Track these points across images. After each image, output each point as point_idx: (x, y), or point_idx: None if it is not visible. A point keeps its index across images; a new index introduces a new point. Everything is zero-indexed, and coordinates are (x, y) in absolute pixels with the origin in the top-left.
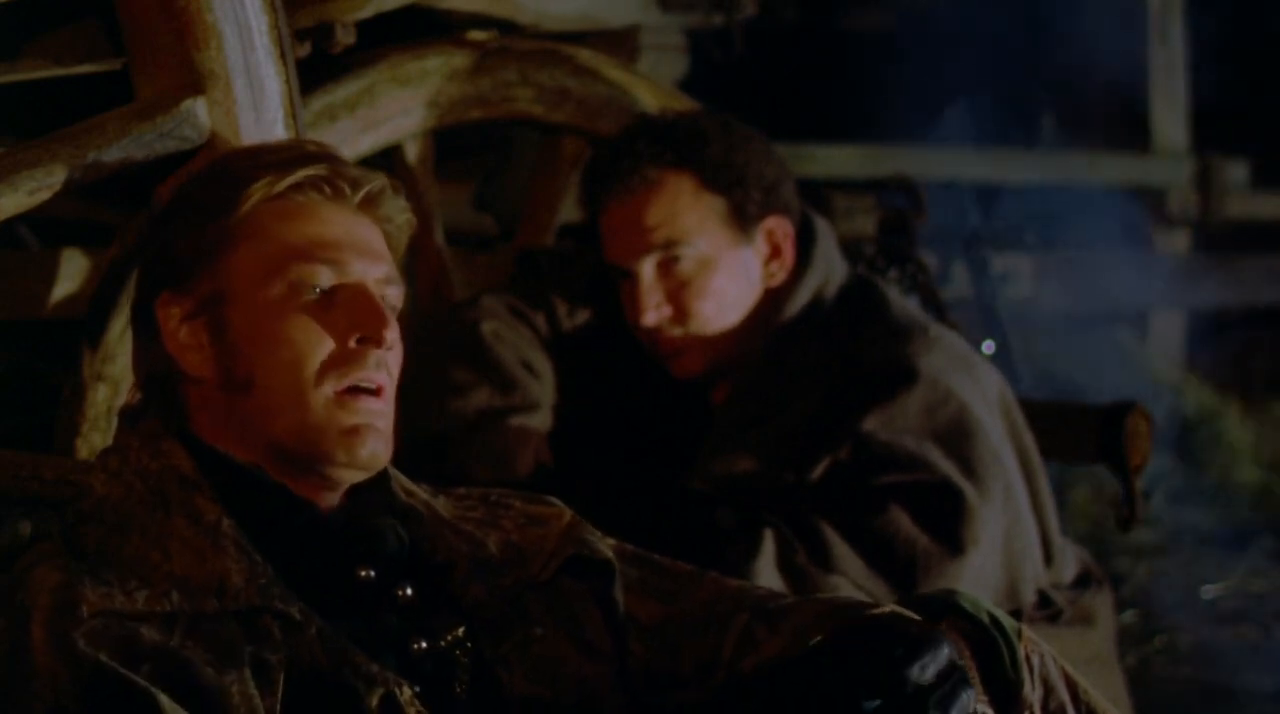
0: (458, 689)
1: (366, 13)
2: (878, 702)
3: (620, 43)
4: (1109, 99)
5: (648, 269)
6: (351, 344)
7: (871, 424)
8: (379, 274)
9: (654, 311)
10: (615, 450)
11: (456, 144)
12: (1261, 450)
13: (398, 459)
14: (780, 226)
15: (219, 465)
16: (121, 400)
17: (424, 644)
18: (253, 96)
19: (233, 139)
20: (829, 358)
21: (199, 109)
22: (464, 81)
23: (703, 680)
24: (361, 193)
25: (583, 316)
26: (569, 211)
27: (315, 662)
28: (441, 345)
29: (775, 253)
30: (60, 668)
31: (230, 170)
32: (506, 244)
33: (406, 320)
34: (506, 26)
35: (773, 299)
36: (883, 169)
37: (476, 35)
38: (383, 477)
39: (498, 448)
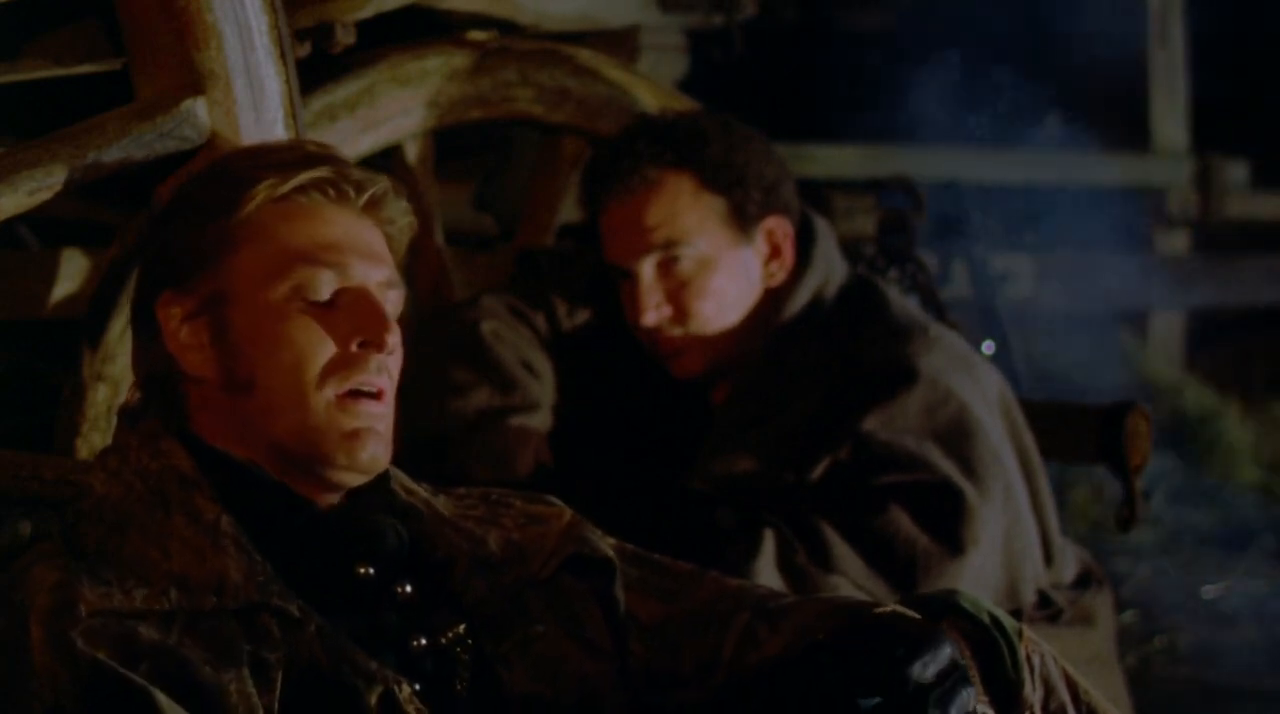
0: (458, 687)
1: (366, 13)
2: (878, 699)
3: (620, 43)
4: (1109, 99)
5: (648, 269)
6: (353, 348)
7: (871, 424)
8: (381, 278)
9: (654, 311)
10: (615, 450)
11: (456, 144)
12: (1261, 450)
13: (398, 459)
14: (780, 226)
15: (218, 464)
16: (121, 400)
17: (424, 641)
18: (253, 96)
19: (233, 139)
20: (829, 358)
21: (199, 109)
22: (464, 81)
23: (703, 680)
24: (366, 195)
25: (583, 316)
26: (569, 211)
27: (314, 659)
28: (441, 345)
29: (775, 253)
30: (59, 667)
31: (232, 171)
32: (506, 244)
33: (407, 321)
34: (506, 26)
35: (773, 299)
36: (883, 169)
37: (476, 35)
38: (383, 475)
39: (498, 448)
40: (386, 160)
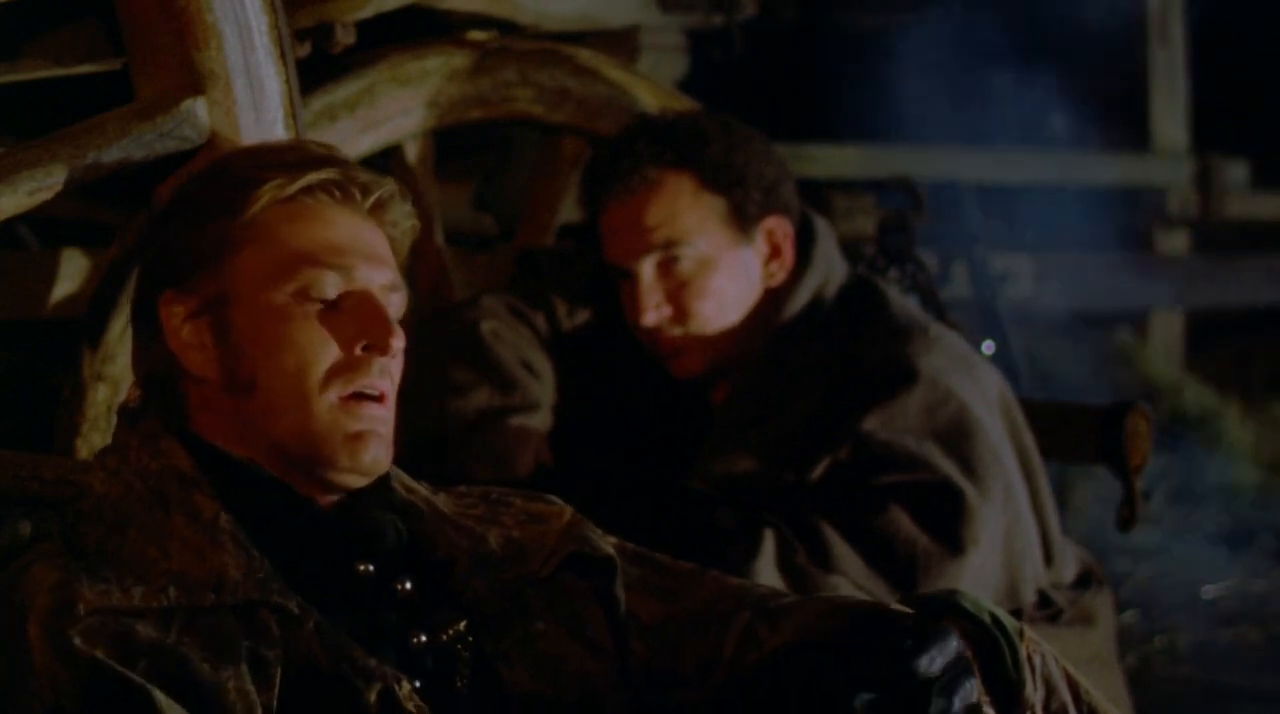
0: (458, 684)
1: (366, 13)
2: (876, 695)
3: (620, 43)
4: (1109, 99)
5: (648, 269)
6: (357, 351)
7: (871, 424)
8: (385, 281)
9: (654, 311)
10: (615, 450)
11: (456, 144)
12: (1261, 450)
13: (398, 459)
14: (780, 226)
15: (218, 463)
16: (121, 400)
17: (424, 639)
18: (253, 96)
19: (233, 139)
20: (829, 358)
21: (199, 109)
22: (464, 81)
23: (704, 679)
24: (372, 198)
25: (583, 316)
26: (569, 211)
27: (313, 657)
28: (441, 345)
29: (775, 253)
30: (58, 666)
31: (234, 171)
32: (506, 244)
33: (407, 322)
34: (506, 26)
35: (773, 299)
36: (883, 169)
37: (476, 35)
38: (383, 474)
39: (498, 448)
40: (386, 160)
